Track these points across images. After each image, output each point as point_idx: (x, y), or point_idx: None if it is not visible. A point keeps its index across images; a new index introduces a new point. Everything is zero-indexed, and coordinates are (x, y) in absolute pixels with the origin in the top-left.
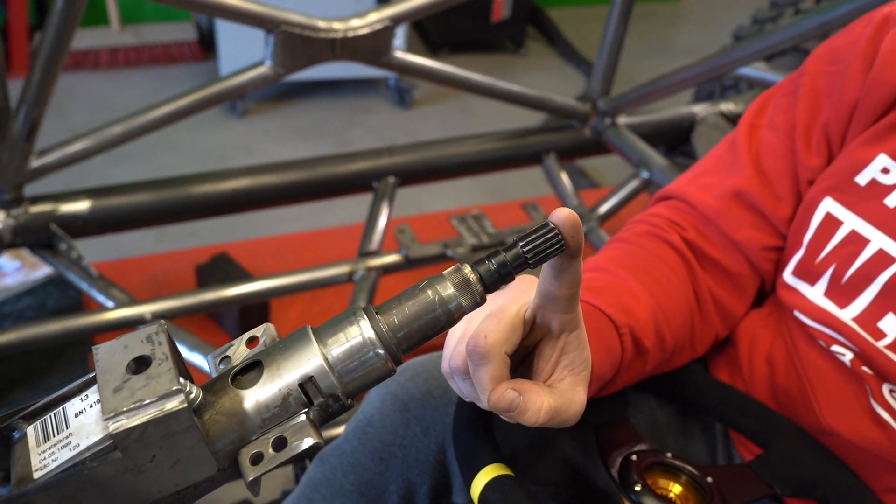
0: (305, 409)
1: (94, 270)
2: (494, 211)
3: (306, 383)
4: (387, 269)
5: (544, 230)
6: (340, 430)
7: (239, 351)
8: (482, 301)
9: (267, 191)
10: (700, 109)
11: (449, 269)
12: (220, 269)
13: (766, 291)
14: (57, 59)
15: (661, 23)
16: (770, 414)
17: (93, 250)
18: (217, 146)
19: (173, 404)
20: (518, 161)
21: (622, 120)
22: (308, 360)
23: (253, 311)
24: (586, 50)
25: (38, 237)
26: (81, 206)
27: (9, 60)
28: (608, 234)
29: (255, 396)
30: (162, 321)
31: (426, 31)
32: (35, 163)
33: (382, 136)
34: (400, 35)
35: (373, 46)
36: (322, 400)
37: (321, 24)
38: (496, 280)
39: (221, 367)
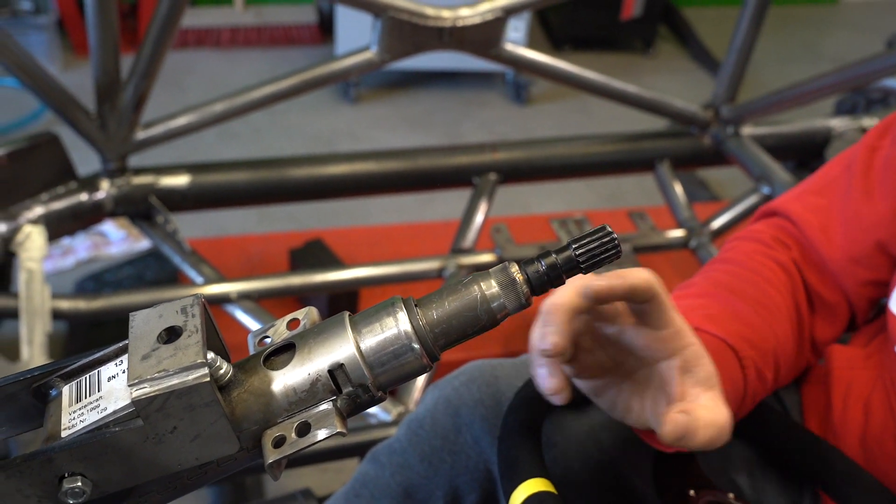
0: (333, 397)
1: (187, 245)
2: (600, 217)
3: (336, 370)
4: (478, 268)
5: (600, 234)
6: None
7: (279, 332)
8: (527, 303)
9: (364, 179)
10: (838, 123)
11: (496, 268)
12: (312, 254)
13: (857, 325)
14: (167, 34)
15: (811, 26)
16: (854, 469)
17: (195, 225)
18: (326, 130)
19: (196, 377)
20: (628, 166)
21: (747, 130)
22: (340, 347)
23: (342, 300)
24: (722, 54)
25: (137, 208)
26: (181, 180)
27: (138, 35)
28: (719, 250)
29: (285, 379)
30: (199, 294)
31: (550, 25)
32: (140, 134)
33: (494, 131)
34: (520, 28)
35: (482, 37)
36: (351, 389)
37: (429, 11)
38: (544, 283)
39: (260, 347)
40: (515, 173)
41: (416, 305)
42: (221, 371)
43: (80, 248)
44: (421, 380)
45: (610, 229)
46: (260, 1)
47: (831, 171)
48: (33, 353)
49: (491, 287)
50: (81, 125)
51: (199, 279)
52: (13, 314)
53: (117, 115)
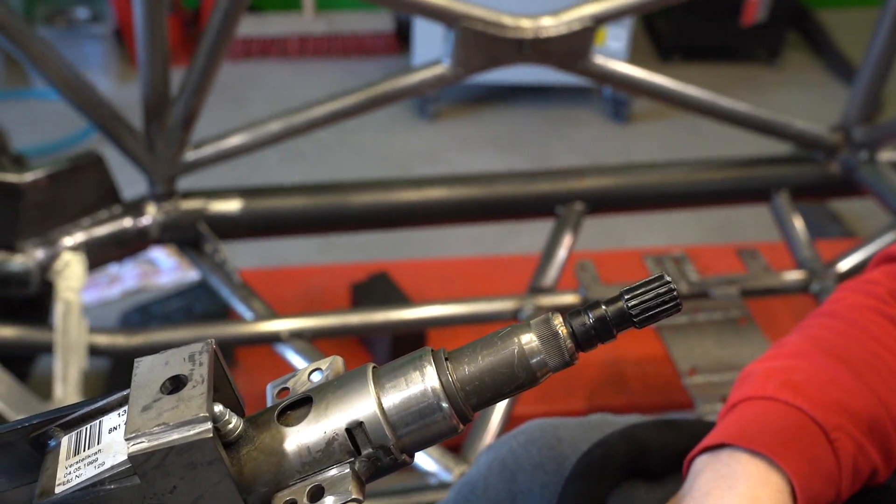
0: (351, 459)
1: (237, 277)
2: (704, 254)
3: (355, 429)
4: (558, 310)
5: (656, 283)
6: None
7: (300, 382)
8: (572, 361)
9: (435, 207)
10: None
11: (537, 319)
12: (376, 289)
13: None
14: (220, 46)
15: None
16: None
17: (252, 254)
18: (400, 151)
19: (197, 432)
20: (739, 197)
21: (885, 155)
22: (360, 404)
23: (407, 342)
24: None
25: (185, 235)
26: (232, 206)
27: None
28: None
29: (299, 437)
30: (211, 340)
31: (658, 33)
32: (190, 155)
33: (589, 153)
34: (622, 37)
35: (567, 49)
36: (371, 451)
37: (507, 20)
38: (591, 338)
39: (278, 399)
40: (605, 203)
41: (446, 359)
42: (230, 426)
43: (127, 276)
44: (490, 435)
45: (668, 279)
46: (332, 6)
47: None
48: (67, 391)
49: (531, 341)
50: (127, 144)
51: (248, 314)
52: (48, 348)
53: (166, 134)
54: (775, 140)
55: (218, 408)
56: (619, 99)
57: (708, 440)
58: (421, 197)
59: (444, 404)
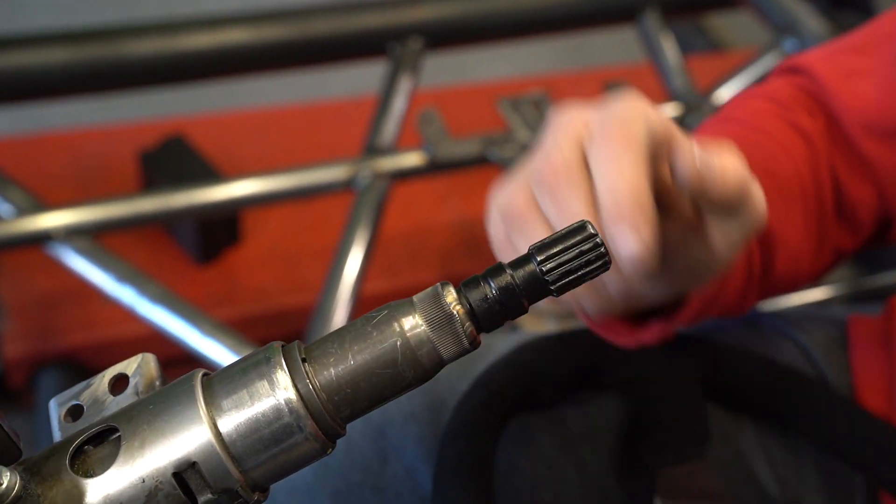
0: None
1: None
2: (563, 86)
3: (187, 471)
4: (403, 175)
5: (577, 238)
6: None
7: (97, 395)
8: (473, 346)
9: (235, 54)
10: None
11: (423, 293)
12: (172, 159)
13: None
14: None
15: None
16: None
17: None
18: None
19: None
20: (601, 19)
21: None
22: (189, 435)
23: (217, 229)
24: None
25: None
26: None
27: None
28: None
29: (105, 489)
30: None
31: None
32: None
33: None
34: None
35: None
36: (211, 496)
37: None
38: (495, 314)
39: (69, 422)
40: (447, 36)
41: (303, 360)
42: (2, 487)
43: None
44: None
45: (592, 230)
46: None
47: (884, 27)
48: None
49: (416, 327)
50: None
51: (5, 208)
52: None
53: None
54: None
55: None
56: None
57: None
58: (217, 42)
59: (306, 423)
